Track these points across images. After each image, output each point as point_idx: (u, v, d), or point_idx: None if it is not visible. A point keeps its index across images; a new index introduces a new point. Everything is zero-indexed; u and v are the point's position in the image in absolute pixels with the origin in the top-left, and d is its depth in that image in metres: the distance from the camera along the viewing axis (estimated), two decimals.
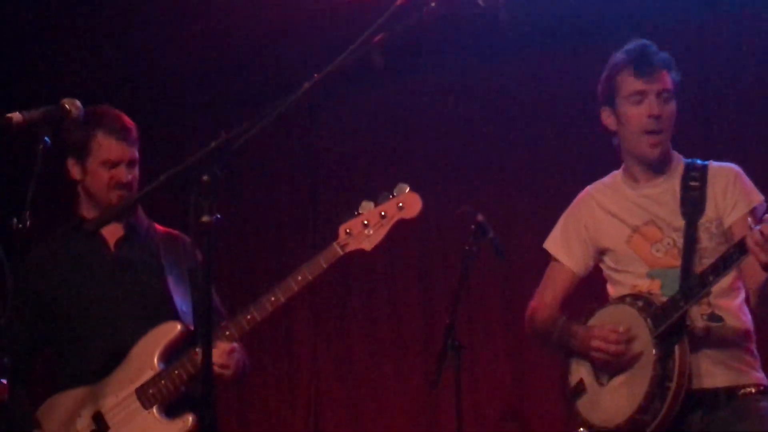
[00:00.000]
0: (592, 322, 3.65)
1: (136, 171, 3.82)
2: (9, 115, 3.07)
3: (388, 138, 6.94)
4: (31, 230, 3.04)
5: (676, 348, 3.40)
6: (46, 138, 3.11)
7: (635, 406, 3.43)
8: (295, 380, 6.94)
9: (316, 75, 2.82)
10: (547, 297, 3.84)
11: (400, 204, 3.53)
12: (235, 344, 3.60)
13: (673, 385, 3.38)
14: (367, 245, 3.53)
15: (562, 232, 3.86)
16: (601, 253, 3.74)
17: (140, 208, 3.92)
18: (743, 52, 5.95)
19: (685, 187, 3.59)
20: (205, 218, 2.67)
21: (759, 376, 3.55)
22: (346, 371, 6.85)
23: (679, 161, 3.68)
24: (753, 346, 3.59)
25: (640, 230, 3.62)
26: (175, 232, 3.96)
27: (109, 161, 3.76)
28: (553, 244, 3.88)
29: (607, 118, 3.70)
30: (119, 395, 3.63)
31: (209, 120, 6.81)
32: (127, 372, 3.65)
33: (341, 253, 3.55)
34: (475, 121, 6.73)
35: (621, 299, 3.60)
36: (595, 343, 3.54)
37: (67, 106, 3.17)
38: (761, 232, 3.14)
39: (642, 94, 3.58)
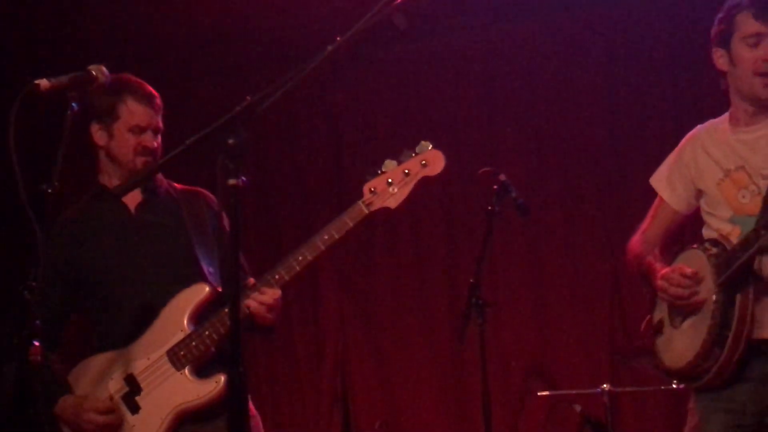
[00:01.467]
0: (678, 263, 3.63)
1: (160, 139, 3.83)
2: (37, 81, 3.06)
3: (411, 99, 6.96)
4: (61, 195, 3.07)
5: (738, 296, 3.37)
6: (73, 104, 3.13)
7: (695, 351, 3.44)
8: (322, 337, 6.99)
9: (338, 38, 2.81)
10: (647, 232, 3.83)
11: (423, 161, 3.52)
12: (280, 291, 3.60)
13: (731, 333, 3.36)
14: (392, 203, 3.52)
15: (668, 168, 3.81)
16: (699, 193, 3.71)
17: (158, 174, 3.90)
18: None
19: None
20: (231, 181, 2.67)
21: None
22: (372, 328, 6.91)
23: None
24: None
25: (731, 174, 3.57)
26: (195, 188, 3.95)
27: (138, 127, 3.76)
28: (658, 180, 3.83)
29: (719, 59, 3.62)
30: (151, 357, 3.65)
31: (233, 85, 6.83)
32: (158, 334, 3.67)
33: (366, 211, 3.54)
34: (498, 80, 6.73)
35: (700, 244, 3.58)
36: (660, 283, 3.55)
37: (94, 72, 3.17)
38: None
39: (759, 36, 3.50)
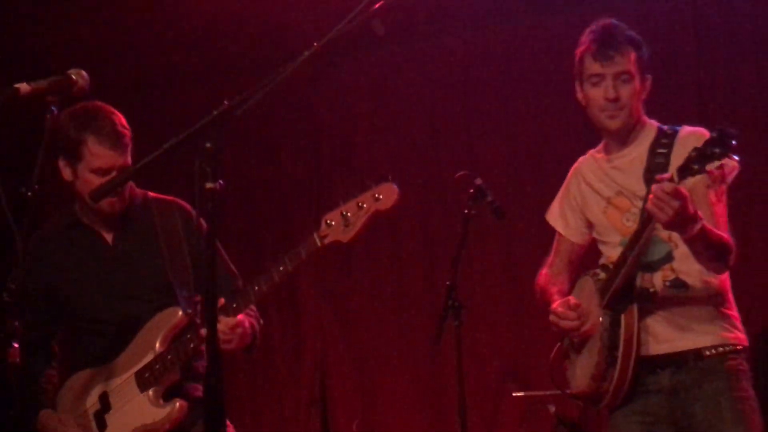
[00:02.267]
0: (573, 293, 3.75)
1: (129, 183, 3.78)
2: (17, 85, 3.08)
3: (389, 104, 7.00)
4: (40, 198, 3.09)
5: (623, 317, 3.48)
6: (53, 108, 3.14)
7: (591, 374, 3.56)
8: (301, 339, 7.02)
9: (316, 43, 2.85)
10: (553, 266, 3.95)
11: (377, 195, 3.40)
12: (239, 317, 3.57)
13: (619, 353, 3.47)
14: (344, 237, 3.43)
15: (559, 204, 3.94)
16: (589, 223, 3.83)
17: (131, 182, 3.84)
18: None
19: (652, 154, 3.60)
20: (209, 185, 2.69)
21: (731, 335, 3.57)
22: (351, 331, 6.95)
23: (652, 129, 3.70)
24: (724, 307, 3.60)
25: (612, 201, 3.68)
26: (170, 198, 3.92)
27: (101, 169, 3.67)
28: (552, 216, 3.97)
29: (578, 93, 3.75)
30: (122, 377, 3.70)
31: (220, 88, 6.85)
32: (132, 354, 3.72)
33: (319, 244, 3.47)
34: (475, 85, 6.78)
35: (590, 271, 3.69)
36: (551, 317, 3.66)
37: (74, 76, 3.18)
38: (654, 195, 3.21)
39: (599, 77, 3.61)
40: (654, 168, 3.55)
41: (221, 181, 2.71)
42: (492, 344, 6.47)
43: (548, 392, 5.53)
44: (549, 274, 3.93)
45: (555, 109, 6.46)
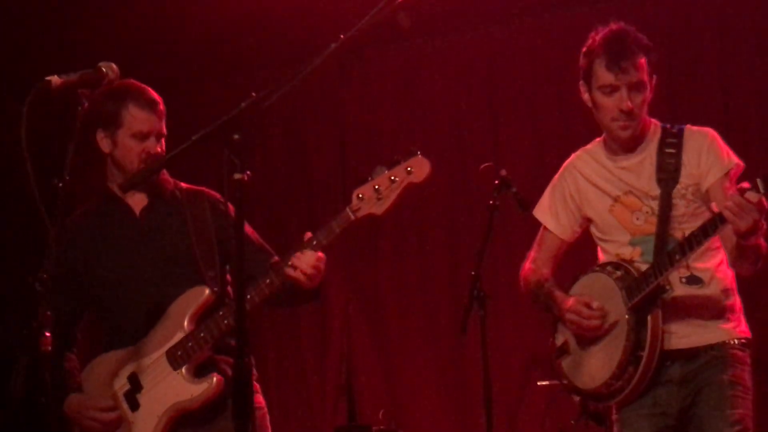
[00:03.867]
0: (575, 288, 3.78)
1: (164, 144, 3.84)
2: (48, 78, 3.13)
3: (415, 97, 7.03)
4: (72, 190, 3.14)
5: (649, 318, 3.51)
6: (84, 101, 3.18)
7: (611, 372, 3.57)
8: (328, 329, 7.07)
9: (342, 36, 2.87)
10: (537, 261, 3.98)
11: (409, 168, 3.50)
12: (320, 254, 3.63)
13: (645, 353, 3.51)
14: (378, 209, 3.51)
15: (549, 200, 3.95)
16: (587, 221, 3.85)
17: (164, 171, 3.93)
18: None
19: (661, 154, 3.61)
20: (237, 176, 2.74)
21: (739, 330, 3.63)
22: (376, 321, 6.99)
23: (656, 129, 3.71)
24: (733, 301, 3.65)
25: (620, 200, 3.68)
26: (201, 189, 3.97)
27: (141, 133, 3.75)
28: (541, 212, 3.98)
29: (584, 93, 3.74)
30: (152, 357, 3.73)
31: (243, 83, 6.89)
32: (160, 334, 3.75)
33: (353, 217, 3.54)
34: (501, 77, 6.80)
35: (602, 267, 3.71)
36: (570, 316, 3.67)
37: (104, 69, 3.23)
38: (735, 203, 3.21)
39: (612, 87, 3.59)
40: (665, 168, 3.58)
41: (249, 172, 2.76)
42: (517, 334, 6.49)
43: None
44: (534, 269, 3.96)
45: (579, 101, 6.43)
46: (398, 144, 6.95)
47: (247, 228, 3.80)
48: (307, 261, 3.58)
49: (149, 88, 3.86)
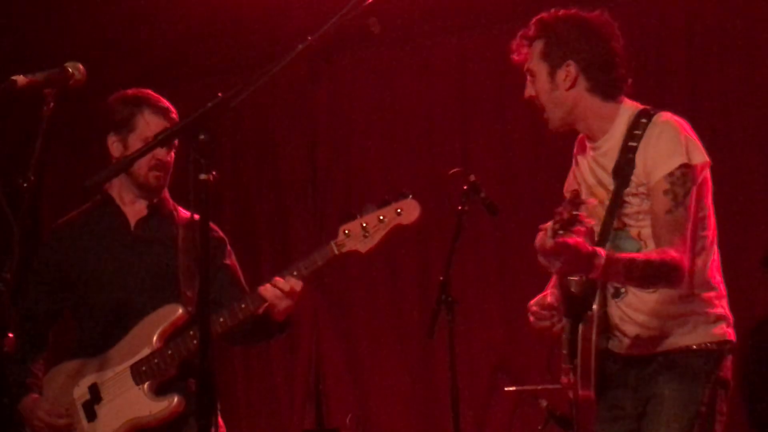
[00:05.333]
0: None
1: (173, 155, 3.85)
2: (14, 77, 3.10)
3: (386, 101, 7.03)
4: (38, 190, 3.11)
5: (580, 327, 3.39)
6: (50, 100, 3.15)
7: (562, 375, 3.53)
8: (296, 333, 7.04)
9: (310, 37, 2.87)
10: None
11: (399, 210, 3.49)
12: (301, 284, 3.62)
13: (578, 361, 3.40)
14: (362, 247, 3.50)
15: (573, 177, 3.81)
16: None
17: (166, 191, 3.93)
18: None
19: (624, 147, 3.43)
20: (203, 176, 2.72)
21: (700, 335, 3.43)
22: (345, 324, 6.98)
23: (625, 114, 3.49)
24: (700, 305, 3.44)
25: (593, 191, 3.56)
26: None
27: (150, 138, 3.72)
28: (568, 189, 3.82)
29: None
30: (116, 369, 3.72)
31: (223, 84, 6.86)
32: (127, 347, 3.73)
33: (336, 252, 3.53)
34: (470, 83, 6.82)
35: None
36: (529, 314, 3.61)
37: (70, 69, 3.19)
38: (537, 244, 3.14)
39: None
40: (624, 165, 3.41)
41: (215, 173, 2.74)
42: (484, 339, 6.51)
43: (540, 386, 5.58)
44: None
45: None
46: (369, 148, 6.97)
47: (232, 261, 3.90)
48: (285, 284, 3.58)
49: (164, 99, 3.90)
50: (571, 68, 3.49)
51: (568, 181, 3.80)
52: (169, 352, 3.66)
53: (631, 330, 3.46)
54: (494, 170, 6.49)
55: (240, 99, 2.78)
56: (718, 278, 3.50)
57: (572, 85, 3.49)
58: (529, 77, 3.54)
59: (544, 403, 5.49)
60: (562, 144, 6.39)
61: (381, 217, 3.49)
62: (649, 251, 3.34)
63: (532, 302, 3.63)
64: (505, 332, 6.57)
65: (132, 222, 3.89)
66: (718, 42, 6.12)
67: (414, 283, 6.79)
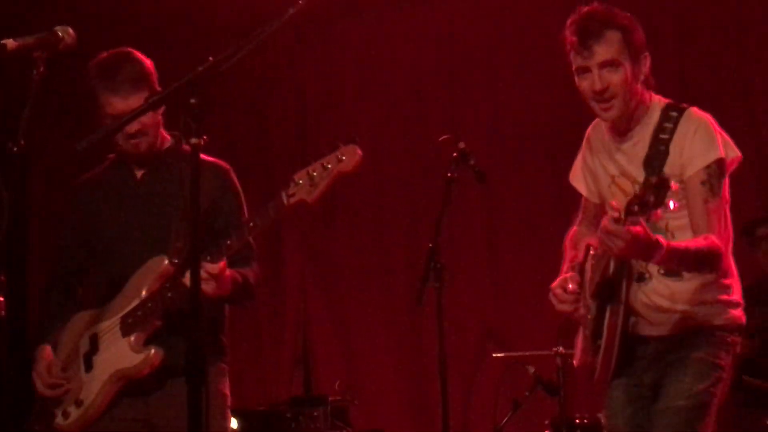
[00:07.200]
0: (587, 263, 3.69)
1: (159, 117, 3.83)
2: (3, 41, 3.11)
3: (375, 68, 7.04)
4: (29, 153, 3.12)
5: (608, 308, 3.46)
6: (40, 64, 3.15)
7: (581, 354, 3.63)
8: (283, 299, 7.09)
9: (300, 1, 2.87)
10: (580, 225, 3.89)
11: (340, 156, 3.40)
12: (222, 264, 3.57)
13: (602, 342, 3.48)
14: (309, 197, 3.43)
15: (581, 167, 3.85)
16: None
17: (161, 125, 3.88)
18: None
19: (655, 140, 3.49)
20: (193, 140, 2.73)
21: (720, 320, 3.55)
22: (333, 291, 7.02)
23: (657, 108, 3.57)
24: (719, 291, 3.54)
25: (616, 180, 3.61)
26: (214, 161, 3.94)
27: (111, 116, 3.73)
28: (574, 178, 3.89)
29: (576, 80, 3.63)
30: (111, 321, 3.75)
31: (204, 54, 6.85)
32: (121, 299, 3.76)
33: (286, 203, 3.48)
34: (460, 50, 6.83)
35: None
36: (550, 296, 3.62)
37: (60, 33, 3.20)
38: (602, 230, 3.17)
39: (584, 68, 3.51)
40: (655, 156, 3.46)
41: (205, 137, 2.75)
42: (472, 306, 6.55)
43: (527, 353, 5.62)
44: (579, 231, 3.86)
45: (539, 75, 6.50)
46: (357, 114, 6.97)
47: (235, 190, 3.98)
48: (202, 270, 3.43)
49: (123, 61, 3.80)
50: (647, 61, 3.57)
51: (575, 167, 3.86)
52: (149, 304, 3.68)
53: (654, 315, 3.54)
54: (483, 137, 6.50)
55: (230, 63, 2.78)
56: (733, 265, 3.61)
57: (645, 77, 3.57)
58: (608, 67, 3.49)
59: (531, 369, 5.53)
60: (550, 111, 6.48)
61: (324, 164, 3.42)
62: (696, 239, 3.42)
63: (554, 284, 3.63)
64: (493, 299, 6.62)
65: (138, 175, 3.91)
66: (710, 32, 6.14)
67: (403, 249, 6.82)
